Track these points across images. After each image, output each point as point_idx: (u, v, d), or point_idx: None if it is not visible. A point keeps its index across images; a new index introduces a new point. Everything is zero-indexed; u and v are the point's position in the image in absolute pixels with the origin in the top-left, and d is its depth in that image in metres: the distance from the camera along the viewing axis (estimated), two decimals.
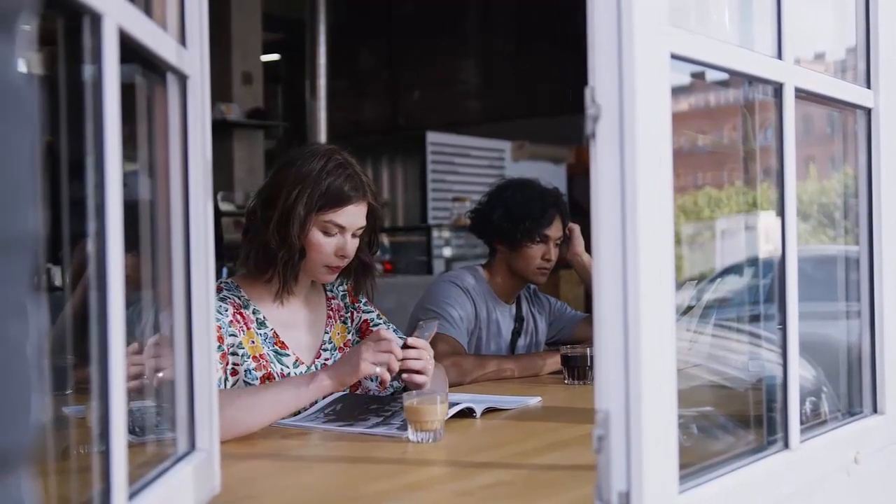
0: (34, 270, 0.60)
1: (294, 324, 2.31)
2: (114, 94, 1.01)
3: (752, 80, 1.60)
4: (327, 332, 2.36)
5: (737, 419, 1.71)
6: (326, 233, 2.22)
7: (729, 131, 2.08)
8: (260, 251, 2.22)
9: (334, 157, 2.23)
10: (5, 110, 0.57)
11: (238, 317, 2.20)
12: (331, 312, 2.40)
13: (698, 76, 1.53)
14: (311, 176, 2.18)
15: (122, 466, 1.00)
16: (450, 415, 2.03)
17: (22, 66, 0.61)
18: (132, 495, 1.07)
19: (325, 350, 2.34)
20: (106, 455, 0.99)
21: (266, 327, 2.24)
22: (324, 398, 2.14)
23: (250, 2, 7.93)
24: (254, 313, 2.24)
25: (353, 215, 2.23)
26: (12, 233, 0.57)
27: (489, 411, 2.20)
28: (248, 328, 2.21)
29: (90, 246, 0.98)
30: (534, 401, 2.37)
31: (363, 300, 2.47)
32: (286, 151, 2.32)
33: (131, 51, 1.11)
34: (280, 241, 2.19)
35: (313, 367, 2.27)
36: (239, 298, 2.23)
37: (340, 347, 2.37)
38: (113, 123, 1.01)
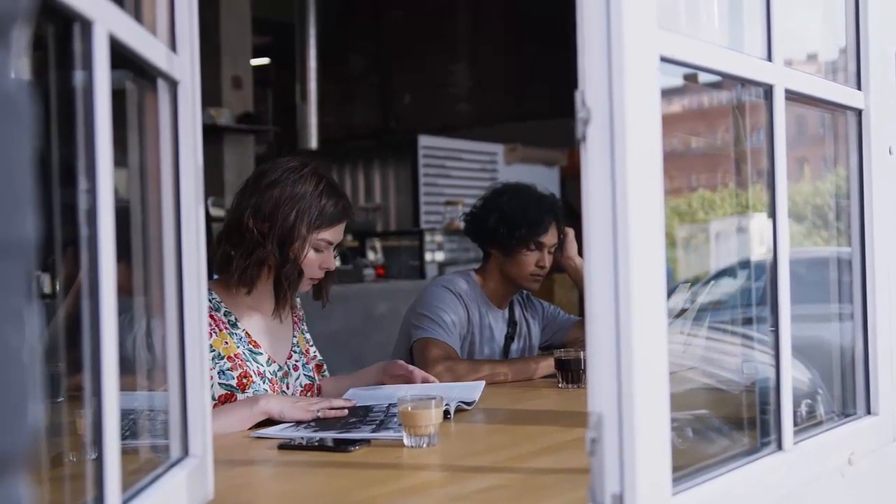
0: (30, 276, 0.60)
1: (265, 327, 2.40)
2: (105, 100, 1.01)
3: (741, 81, 1.60)
4: (295, 336, 2.49)
5: (731, 421, 1.71)
6: (317, 250, 2.34)
7: (723, 133, 2.09)
8: (254, 267, 2.29)
9: (323, 177, 2.35)
10: (2, 116, 0.57)
11: (209, 319, 2.25)
12: (296, 319, 2.53)
13: (691, 78, 1.53)
14: (306, 197, 2.30)
15: (116, 473, 1.00)
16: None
17: (16, 73, 0.61)
18: (126, 501, 1.07)
19: (294, 352, 2.47)
20: (99, 462, 0.99)
21: (239, 328, 2.33)
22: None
23: (240, 5, 7.90)
24: (225, 315, 2.33)
25: (341, 232, 2.39)
26: (9, 238, 0.57)
27: (460, 411, 2.23)
28: (221, 330, 2.30)
29: (83, 252, 0.98)
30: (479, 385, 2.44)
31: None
32: (259, 167, 2.39)
33: (121, 56, 1.10)
34: (282, 259, 2.29)
35: (285, 367, 2.41)
36: (210, 301, 2.29)
37: (304, 352, 2.50)
38: (104, 129, 1.00)
